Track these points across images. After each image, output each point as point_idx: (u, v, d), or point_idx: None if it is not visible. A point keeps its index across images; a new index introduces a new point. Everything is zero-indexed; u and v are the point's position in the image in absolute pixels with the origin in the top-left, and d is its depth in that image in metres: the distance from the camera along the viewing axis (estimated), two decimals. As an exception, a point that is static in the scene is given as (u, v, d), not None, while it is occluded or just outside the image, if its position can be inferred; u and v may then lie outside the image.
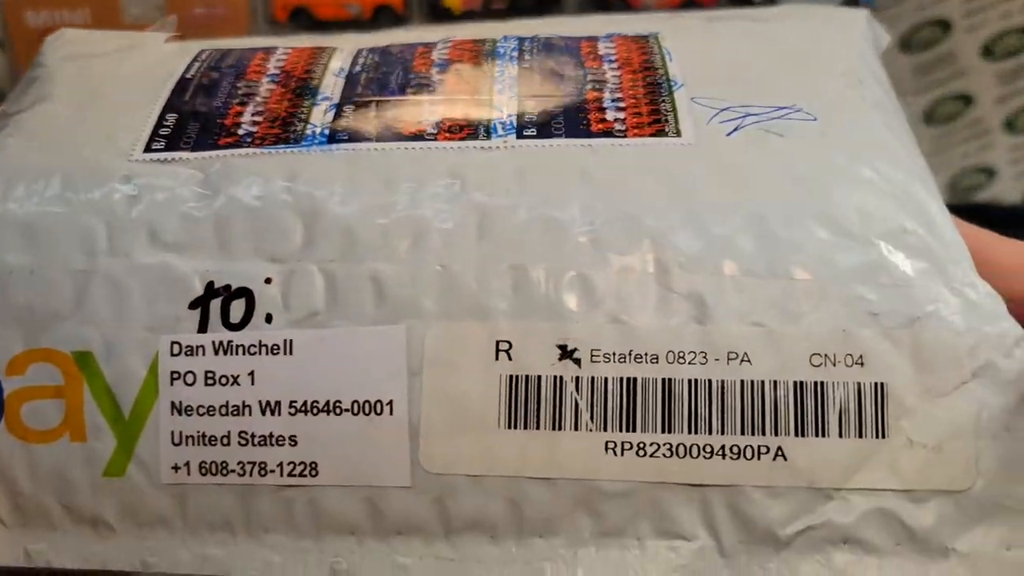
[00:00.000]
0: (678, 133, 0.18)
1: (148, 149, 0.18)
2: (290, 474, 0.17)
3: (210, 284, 0.17)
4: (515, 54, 0.20)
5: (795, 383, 0.16)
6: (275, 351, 0.17)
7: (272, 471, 0.17)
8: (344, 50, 0.21)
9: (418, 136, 0.18)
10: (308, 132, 0.18)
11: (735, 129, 0.18)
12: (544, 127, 0.18)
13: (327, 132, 0.18)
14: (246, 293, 0.17)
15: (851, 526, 0.15)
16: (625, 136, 0.18)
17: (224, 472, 0.17)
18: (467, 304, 0.16)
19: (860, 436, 0.15)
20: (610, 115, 0.18)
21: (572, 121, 0.18)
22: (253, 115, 0.19)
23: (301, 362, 0.17)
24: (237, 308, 0.17)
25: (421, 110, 0.19)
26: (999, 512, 0.15)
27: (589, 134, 0.18)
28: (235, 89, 0.20)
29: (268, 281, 0.17)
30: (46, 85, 0.20)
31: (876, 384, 0.15)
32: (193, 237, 0.17)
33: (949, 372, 0.15)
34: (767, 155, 0.17)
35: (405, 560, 0.16)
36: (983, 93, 0.35)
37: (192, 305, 0.17)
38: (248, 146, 0.18)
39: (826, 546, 0.15)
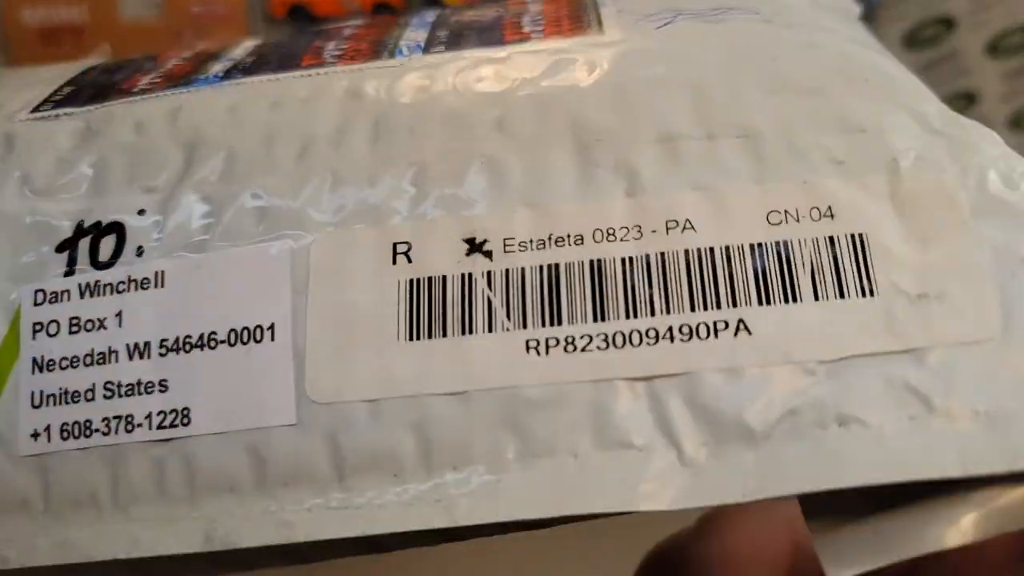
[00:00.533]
0: (601, 32, 0.16)
1: (35, 111, 0.17)
2: (160, 426, 0.14)
3: (79, 224, 0.15)
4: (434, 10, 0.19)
5: (752, 245, 0.13)
6: (145, 285, 0.14)
7: (140, 425, 0.14)
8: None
9: (318, 64, 0.17)
10: (201, 78, 0.17)
11: (665, 24, 0.16)
12: (454, 43, 0.16)
13: (221, 74, 0.17)
14: (117, 228, 0.15)
15: (845, 401, 0.12)
16: (542, 40, 0.16)
17: (88, 432, 0.14)
18: (359, 207, 0.14)
19: (841, 296, 0.12)
20: (527, 28, 0.17)
21: (485, 35, 0.16)
22: (153, 78, 0.18)
23: (173, 294, 0.14)
24: (107, 245, 0.15)
25: (324, 48, 0.17)
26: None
27: (503, 44, 0.16)
28: (142, 65, 0.19)
29: (141, 212, 0.15)
30: None
31: (852, 236, 0.12)
32: (66, 180, 0.15)
33: (941, 212, 0.12)
34: (703, 37, 0.15)
35: (292, 516, 0.13)
36: (987, 91, 0.34)
37: (59, 248, 0.15)
38: (135, 94, 0.17)
39: (815, 431, 0.12)
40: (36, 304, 0.15)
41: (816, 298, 0.12)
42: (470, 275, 0.13)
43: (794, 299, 0.12)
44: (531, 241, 0.13)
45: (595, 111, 0.14)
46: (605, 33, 0.16)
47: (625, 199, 0.13)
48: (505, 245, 0.13)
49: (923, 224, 0.12)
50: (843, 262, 0.12)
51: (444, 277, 0.13)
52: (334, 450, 0.13)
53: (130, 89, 0.17)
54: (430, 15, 0.19)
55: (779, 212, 0.13)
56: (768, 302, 0.12)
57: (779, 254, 0.12)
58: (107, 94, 0.17)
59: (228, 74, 0.17)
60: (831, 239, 0.12)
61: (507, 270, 0.13)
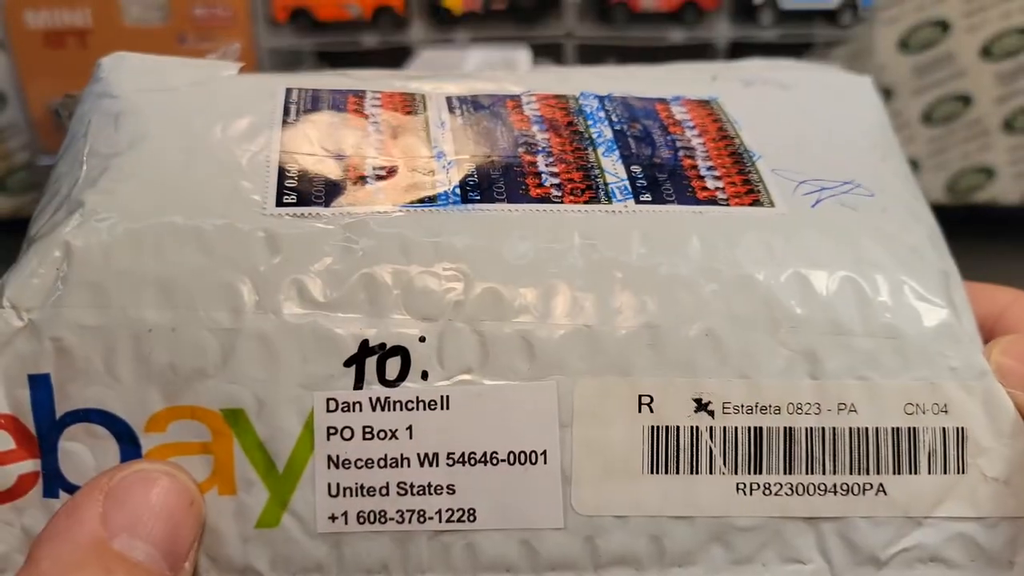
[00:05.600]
0: (772, 203, 0.20)
1: (280, 203, 0.18)
2: (448, 520, 0.18)
3: (364, 342, 0.18)
4: (602, 115, 0.21)
5: (893, 429, 0.18)
6: (432, 407, 0.18)
7: (431, 518, 0.18)
8: (431, 97, 0.21)
9: (545, 198, 0.19)
10: (440, 190, 0.19)
11: (817, 201, 0.20)
12: (656, 192, 0.20)
13: (458, 191, 0.19)
14: (401, 351, 0.18)
15: (936, 547, 0.18)
16: (728, 205, 0.20)
17: (383, 520, 0.18)
18: (611, 361, 0.18)
19: (944, 472, 0.18)
20: (710, 184, 0.20)
21: (679, 187, 0.20)
22: (375, 168, 0.19)
23: (458, 416, 0.18)
24: (393, 365, 0.18)
25: (540, 170, 0.20)
26: None
27: (697, 201, 0.20)
28: (344, 137, 0.20)
29: (422, 340, 0.18)
30: (137, 123, 0.19)
31: (958, 428, 0.18)
32: (342, 295, 0.18)
33: (1012, 417, 0.18)
34: (850, 227, 0.20)
35: None
36: (982, 93, 0.34)
37: (347, 363, 0.17)
38: (382, 203, 0.19)
39: (917, 564, 0.18)
40: (328, 411, 0.17)
41: (929, 472, 0.18)
42: (697, 428, 0.18)
43: (915, 472, 0.18)
44: (743, 406, 0.18)
45: (785, 297, 0.18)
46: (776, 206, 0.20)
47: (810, 381, 0.18)
48: (723, 407, 0.18)
49: (1000, 424, 0.18)
50: (949, 448, 0.18)
51: (678, 427, 0.18)
52: (592, 549, 0.18)
53: (362, 183, 0.19)
54: (606, 128, 0.21)
55: (912, 404, 0.18)
56: (899, 472, 0.18)
57: (910, 437, 0.18)
58: (343, 186, 0.19)
59: (466, 196, 0.19)
60: (944, 430, 0.18)
61: (724, 427, 0.18)
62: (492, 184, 0.19)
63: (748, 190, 0.20)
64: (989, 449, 0.18)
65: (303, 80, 0.22)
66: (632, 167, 0.20)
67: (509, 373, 0.18)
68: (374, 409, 0.17)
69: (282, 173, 0.19)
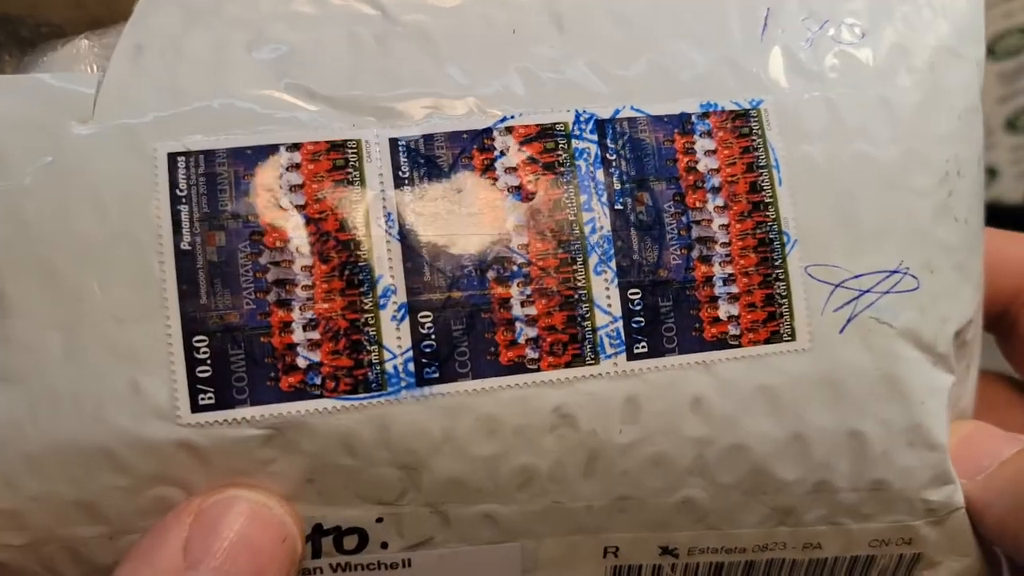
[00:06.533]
0: (792, 335, 0.17)
1: (197, 407, 0.15)
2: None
3: (318, 526, 0.17)
4: (600, 176, 0.16)
5: (854, 557, 0.18)
6: (393, 566, 0.17)
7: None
8: (371, 151, 0.16)
9: (518, 365, 0.16)
10: (389, 368, 0.15)
11: (848, 320, 0.17)
12: (655, 336, 0.16)
13: (411, 367, 0.16)
14: (358, 531, 0.17)
15: None
16: (739, 344, 0.16)
17: None
18: (578, 527, 0.17)
19: (890, 582, 0.19)
20: (723, 310, 0.16)
21: (684, 324, 0.16)
22: (305, 327, 0.15)
23: (420, 572, 0.17)
24: (350, 541, 0.17)
25: (513, 315, 0.16)
26: None
27: (703, 344, 0.16)
28: (261, 273, 0.15)
29: (379, 520, 0.17)
30: None
31: (915, 554, 0.19)
32: (287, 491, 0.16)
33: (968, 537, 0.19)
34: (873, 361, 0.17)
35: None
36: (984, 93, 0.32)
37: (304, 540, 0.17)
38: (320, 394, 0.15)
39: None
40: (290, 571, 0.17)
41: (875, 581, 0.19)
42: (660, 566, 0.18)
43: (863, 582, 0.19)
44: (709, 548, 0.18)
45: (776, 463, 0.17)
46: (796, 338, 0.17)
47: (783, 528, 0.18)
48: (689, 551, 0.18)
49: (955, 545, 0.19)
50: (901, 568, 0.19)
51: (641, 566, 0.18)
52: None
53: (292, 359, 0.15)
54: (602, 209, 0.16)
55: (878, 540, 0.18)
56: (847, 583, 0.19)
57: (867, 562, 0.19)
58: (269, 369, 0.15)
59: (422, 375, 0.15)
60: (902, 556, 0.19)
61: (686, 564, 0.18)
62: (454, 350, 0.16)
63: (768, 315, 0.17)
64: (938, 562, 0.19)
65: (187, 110, 0.16)
66: (630, 292, 0.16)
67: (472, 539, 0.17)
68: (335, 571, 0.17)
69: (191, 357, 0.15)
